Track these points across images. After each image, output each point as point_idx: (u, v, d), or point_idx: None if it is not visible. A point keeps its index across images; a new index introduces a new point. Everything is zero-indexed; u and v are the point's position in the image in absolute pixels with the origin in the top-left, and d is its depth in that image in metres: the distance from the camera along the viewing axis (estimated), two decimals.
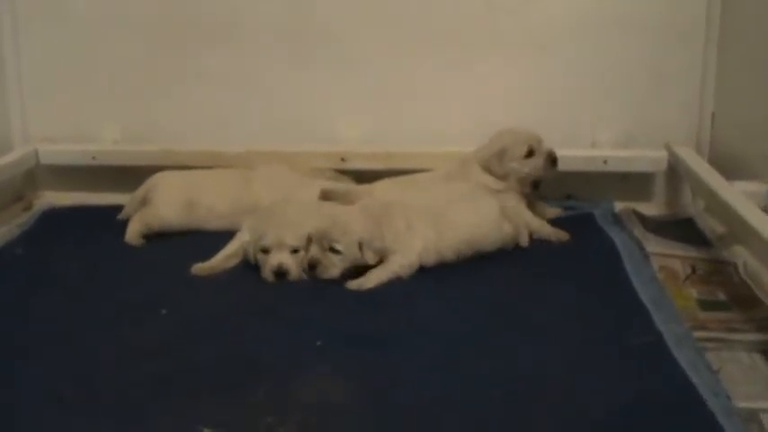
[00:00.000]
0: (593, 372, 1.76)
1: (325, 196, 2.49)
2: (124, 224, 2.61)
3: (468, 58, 2.90)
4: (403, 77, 2.92)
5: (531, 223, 2.53)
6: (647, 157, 2.85)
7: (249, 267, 2.31)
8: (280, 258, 2.24)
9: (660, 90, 2.89)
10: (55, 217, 2.87)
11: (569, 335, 1.92)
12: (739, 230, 2.20)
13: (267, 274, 2.25)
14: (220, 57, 2.96)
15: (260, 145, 2.91)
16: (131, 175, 2.78)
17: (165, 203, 2.61)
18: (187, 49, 2.97)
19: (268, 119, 2.98)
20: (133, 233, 2.56)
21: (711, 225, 2.66)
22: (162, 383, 1.72)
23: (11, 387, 1.72)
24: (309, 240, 2.25)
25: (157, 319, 2.03)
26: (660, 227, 2.70)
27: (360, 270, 2.22)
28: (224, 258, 2.35)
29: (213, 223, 2.60)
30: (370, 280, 2.19)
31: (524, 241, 2.47)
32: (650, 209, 2.88)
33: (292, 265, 2.24)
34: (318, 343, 1.88)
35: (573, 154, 2.81)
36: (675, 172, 2.83)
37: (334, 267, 2.21)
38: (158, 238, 2.58)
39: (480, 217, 2.38)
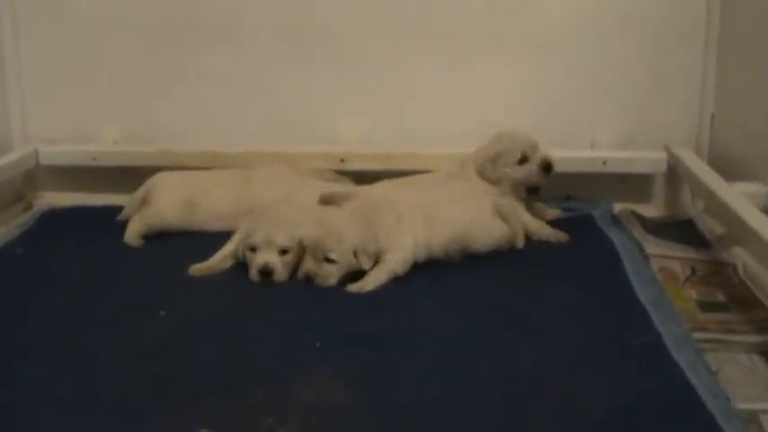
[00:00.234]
0: (592, 372, 1.76)
1: (325, 201, 2.48)
2: (124, 225, 2.60)
3: (468, 58, 2.90)
4: (403, 77, 2.92)
5: (530, 225, 2.52)
6: (647, 159, 2.85)
7: (247, 268, 2.31)
8: (266, 258, 2.22)
9: (660, 91, 2.89)
10: (55, 217, 2.86)
11: (569, 335, 1.92)
12: (739, 232, 2.20)
13: (253, 273, 2.24)
14: (220, 57, 2.96)
15: (260, 145, 2.91)
16: (131, 176, 2.78)
17: (165, 203, 2.61)
18: (187, 49, 2.97)
19: (268, 119, 2.98)
20: (132, 234, 2.56)
21: (711, 226, 2.65)
22: (162, 384, 1.72)
23: (11, 387, 1.72)
24: (300, 244, 2.23)
25: (157, 320, 2.03)
26: (660, 228, 2.70)
27: (356, 273, 2.21)
28: (222, 259, 2.35)
29: (213, 224, 2.60)
30: (370, 282, 2.18)
31: (520, 243, 2.45)
32: (650, 210, 2.88)
33: (278, 265, 2.22)
34: (318, 344, 1.88)
35: (572, 155, 2.81)
36: (675, 173, 2.83)
37: (331, 277, 2.20)
38: (157, 238, 2.58)
39: (470, 215, 2.38)
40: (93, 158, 2.98)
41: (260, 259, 2.22)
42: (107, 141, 3.05)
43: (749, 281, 2.26)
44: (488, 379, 1.72)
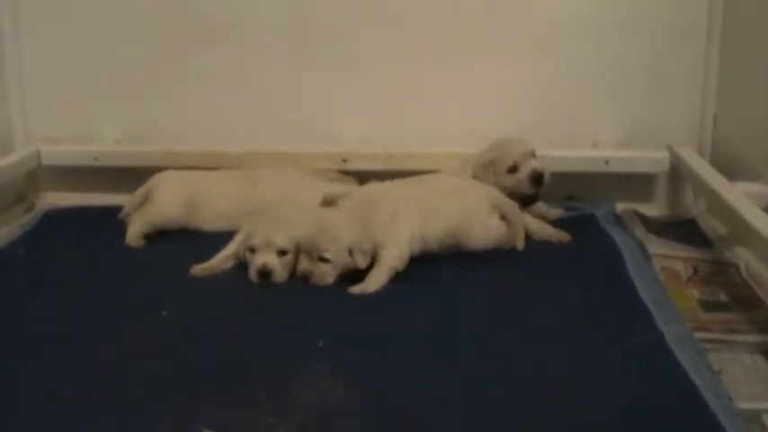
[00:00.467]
0: (593, 372, 1.76)
1: (328, 202, 2.47)
2: (126, 225, 2.60)
3: (469, 58, 2.90)
4: (403, 77, 2.92)
5: (531, 225, 2.51)
6: (649, 158, 2.84)
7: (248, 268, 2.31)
8: (265, 259, 2.21)
9: (662, 90, 2.89)
10: (56, 217, 2.87)
11: (570, 335, 1.92)
12: (741, 231, 2.20)
13: (252, 274, 2.23)
14: (220, 57, 2.96)
15: (260, 145, 2.91)
16: (133, 176, 2.78)
17: (167, 200, 2.61)
18: (187, 49, 2.97)
19: (268, 119, 2.98)
20: (134, 234, 2.56)
21: (713, 226, 2.65)
22: (162, 384, 1.71)
23: (11, 387, 1.72)
24: (299, 246, 2.23)
25: (157, 320, 2.03)
26: (662, 228, 2.69)
27: (354, 271, 2.21)
28: (223, 259, 2.35)
29: (216, 223, 2.60)
30: (372, 284, 2.17)
31: (520, 244, 2.41)
32: (652, 210, 2.88)
33: (277, 266, 2.21)
34: (319, 344, 1.87)
35: (574, 155, 2.81)
36: (677, 173, 2.83)
37: (327, 276, 2.20)
38: (159, 238, 2.58)
39: (465, 208, 2.37)
40: (95, 158, 2.99)
41: (259, 260, 2.22)
42: (108, 141, 3.06)
43: (751, 280, 2.25)
44: (488, 379, 1.71)
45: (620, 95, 2.90)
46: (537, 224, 2.53)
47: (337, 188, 2.61)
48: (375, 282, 2.18)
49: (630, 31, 2.84)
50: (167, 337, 1.92)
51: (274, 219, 2.28)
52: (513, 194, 2.52)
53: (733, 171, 2.56)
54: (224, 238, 2.42)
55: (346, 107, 2.96)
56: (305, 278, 2.20)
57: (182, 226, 2.62)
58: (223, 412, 1.61)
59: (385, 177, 2.68)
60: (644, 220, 2.76)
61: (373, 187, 2.53)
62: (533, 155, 2.54)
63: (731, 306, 2.12)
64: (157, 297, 2.14)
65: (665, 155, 2.83)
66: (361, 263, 2.20)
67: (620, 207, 2.85)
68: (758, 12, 2.61)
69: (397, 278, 2.22)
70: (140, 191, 2.65)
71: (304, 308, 2.08)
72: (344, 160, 2.86)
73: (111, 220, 2.66)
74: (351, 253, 2.19)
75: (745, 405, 1.64)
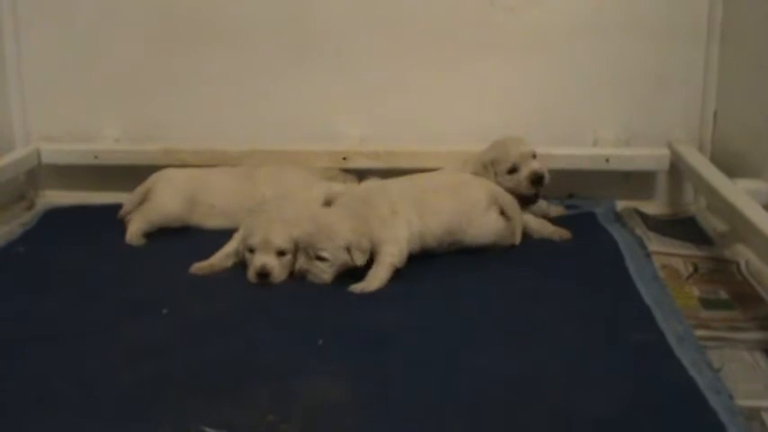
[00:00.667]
0: (594, 370, 1.75)
1: (329, 201, 2.46)
2: (125, 223, 2.60)
3: (469, 57, 2.89)
4: (403, 76, 2.91)
5: (531, 223, 2.51)
6: (650, 156, 2.84)
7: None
8: (264, 260, 2.20)
9: (662, 88, 2.88)
10: (56, 216, 2.87)
11: (570, 333, 1.92)
12: (742, 229, 2.19)
13: (251, 274, 2.23)
14: (220, 56, 2.96)
15: (260, 144, 2.90)
16: (133, 175, 2.78)
17: (167, 197, 2.61)
18: (187, 48, 2.97)
19: (269, 118, 2.98)
20: (134, 233, 2.56)
21: (714, 223, 2.65)
22: (163, 383, 1.71)
23: (11, 387, 1.72)
24: (297, 245, 2.22)
25: (158, 319, 2.03)
26: (662, 225, 2.69)
27: (353, 268, 2.20)
28: (223, 257, 2.34)
29: (216, 221, 2.61)
30: (373, 283, 2.16)
31: (517, 239, 2.41)
32: (652, 207, 2.87)
33: (276, 267, 2.20)
34: (320, 342, 1.87)
35: (574, 152, 2.80)
36: (678, 170, 2.82)
37: (324, 274, 2.19)
38: (159, 237, 2.58)
39: (463, 203, 2.36)
40: (95, 157, 2.99)
41: (257, 261, 2.21)
42: (108, 140, 3.06)
43: (752, 278, 2.25)
44: (488, 379, 1.71)
45: (621, 93, 2.89)
46: (537, 222, 2.53)
47: (337, 186, 2.62)
48: (376, 280, 2.17)
49: (632, 28, 2.83)
50: (168, 337, 1.92)
51: (273, 218, 2.27)
52: (513, 195, 2.52)
53: (734, 168, 2.56)
54: (224, 236, 2.41)
55: (346, 105, 2.96)
56: (301, 277, 2.20)
57: (182, 224, 2.62)
58: (224, 411, 1.61)
59: (385, 175, 2.69)
60: (644, 217, 2.76)
61: (371, 184, 2.53)
62: (533, 156, 2.54)
63: (731, 303, 2.12)
64: (158, 296, 2.14)
65: (665, 152, 2.83)
66: (359, 260, 2.19)
67: (621, 205, 2.85)
68: (758, 9, 2.60)
69: (397, 276, 2.21)
70: (140, 189, 2.66)
71: (304, 306, 2.08)
72: (345, 158, 2.86)
73: (112, 218, 2.66)
74: (349, 250, 2.18)
75: (745, 402, 1.63)
